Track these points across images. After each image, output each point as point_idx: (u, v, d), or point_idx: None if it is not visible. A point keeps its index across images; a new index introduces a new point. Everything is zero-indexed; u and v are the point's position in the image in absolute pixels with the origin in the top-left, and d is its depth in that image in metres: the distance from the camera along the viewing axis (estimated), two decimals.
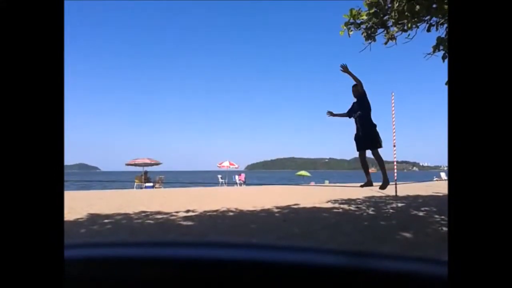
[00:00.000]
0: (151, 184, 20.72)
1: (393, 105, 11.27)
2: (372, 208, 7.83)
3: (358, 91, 5.40)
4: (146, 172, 21.64)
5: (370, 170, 5.76)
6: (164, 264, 0.57)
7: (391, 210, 7.55)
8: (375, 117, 5.41)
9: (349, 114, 5.57)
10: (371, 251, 0.62)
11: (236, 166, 24.85)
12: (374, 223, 5.95)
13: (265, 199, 9.89)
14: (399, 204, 8.59)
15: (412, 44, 6.06)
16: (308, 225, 5.89)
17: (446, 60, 5.71)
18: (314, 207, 8.04)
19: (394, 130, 11.19)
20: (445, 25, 5.76)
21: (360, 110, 5.40)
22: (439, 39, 5.91)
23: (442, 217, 6.20)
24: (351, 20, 5.77)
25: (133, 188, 19.65)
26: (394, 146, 11.30)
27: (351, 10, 5.71)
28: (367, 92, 5.38)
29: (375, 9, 5.56)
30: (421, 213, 7.05)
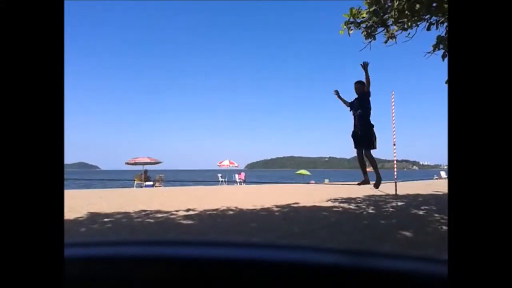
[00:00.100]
0: (151, 183, 20.72)
1: (393, 104, 11.27)
2: (372, 207, 7.84)
3: (361, 88, 5.45)
4: (146, 171, 21.64)
5: (367, 169, 5.80)
6: (164, 263, 0.57)
7: (391, 209, 7.55)
8: (375, 116, 5.48)
9: (350, 106, 5.66)
10: (371, 250, 0.62)
11: (236, 165, 24.87)
12: (374, 222, 5.96)
13: (265, 198, 9.89)
14: (399, 203, 8.60)
15: (412, 43, 6.07)
16: (308, 224, 5.89)
17: (446, 59, 5.71)
18: (314, 206, 8.04)
19: (394, 129, 11.19)
20: (445, 24, 5.76)
21: (361, 109, 5.44)
22: (439, 38, 5.91)
23: (442, 216, 6.21)
24: (351, 19, 5.77)
25: (133, 187, 19.66)
26: (394, 145, 11.31)
27: (351, 9, 5.70)
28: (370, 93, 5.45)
29: (375, 8, 5.56)
30: (421, 212, 7.06)
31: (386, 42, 6.12)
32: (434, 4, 5.27)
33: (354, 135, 5.56)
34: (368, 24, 5.83)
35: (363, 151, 5.52)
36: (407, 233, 4.89)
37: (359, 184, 5.99)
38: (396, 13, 5.47)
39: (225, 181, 23.40)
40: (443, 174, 28.06)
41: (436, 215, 6.52)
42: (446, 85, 4.65)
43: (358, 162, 5.81)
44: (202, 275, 0.54)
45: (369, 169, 5.83)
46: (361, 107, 5.46)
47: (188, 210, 7.34)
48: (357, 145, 5.56)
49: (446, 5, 4.97)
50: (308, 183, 22.86)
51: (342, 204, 8.34)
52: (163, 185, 21.20)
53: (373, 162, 5.58)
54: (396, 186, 11.13)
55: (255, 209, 7.51)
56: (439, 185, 15.12)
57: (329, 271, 0.53)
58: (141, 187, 19.61)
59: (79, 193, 12.55)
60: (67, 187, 17.18)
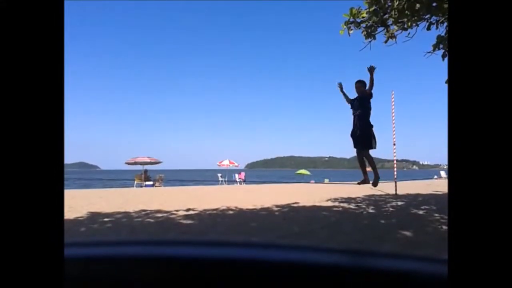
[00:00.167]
0: (151, 182, 20.74)
1: (393, 103, 11.27)
2: (372, 207, 7.84)
3: (362, 88, 5.48)
4: (146, 171, 21.65)
5: (367, 169, 5.82)
6: (164, 263, 0.57)
7: (391, 209, 7.55)
8: (375, 116, 5.54)
9: (351, 103, 5.70)
10: (371, 249, 0.62)
11: (236, 164, 24.91)
12: (374, 222, 5.96)
13: (265, 198, 9.89)
14: (399, 203, 8.60)
15: (412, 42, 6.07)
16: (308, 223, 5.89)
17: (446, 59, 5.71)
18: (314, 206, 8.04)
19: (394, 129, 11.20)
20: (445, 24, 5.76)
21: (361, 109, 5.47)
22: (439, 38, 5.91)
23: (442, 215, 6.21)
24: (351, 19, 5.77)
25: (133, 186, 19.66)
26: (394, 144, 11.31)
27: (351, 9, 5.71)
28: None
29: (375, 8, 5.56)
30: (421, 212, 7.06)
31: (386, 42, 6.13)
32: (434, 4, 5.27)
33: (353, 135, 5.61)
34: (368, 24, 5.84)
35: (362, 151, 5.58)
36: (407, 233, 4.88)
37: (358, 183, 6.02)
38: (396, 13, 5.47)
39: (225, 181, 23.41)
40: (443, 174, 28.08)
41: (436, 215, 6.52)
42: (446, 85, 4.66)
43: (357, 162, 5.85)
44: (202, 275, 0.54)
45: (369, 168, 5.86)
46: (361, 107, 5.49)
47: (188, 209, 7.34)
48: (356, 144, 5.60)
49: (446, 5, 4.97)
50: (308, 182, 22.88)
51: (342, 204, 8.34)
52: (163, 184, 21.21)
53: (372, 161, 5.66)
54: (396, 185, 11.14)
55: (255, 209, 7.51)
56: (439, 185, 15.13)
57: (329, 271, 0.53)
58: (141, 186, 19.62)
59: (79, 193, 12.55)
60: (67, 186, 17.19)
